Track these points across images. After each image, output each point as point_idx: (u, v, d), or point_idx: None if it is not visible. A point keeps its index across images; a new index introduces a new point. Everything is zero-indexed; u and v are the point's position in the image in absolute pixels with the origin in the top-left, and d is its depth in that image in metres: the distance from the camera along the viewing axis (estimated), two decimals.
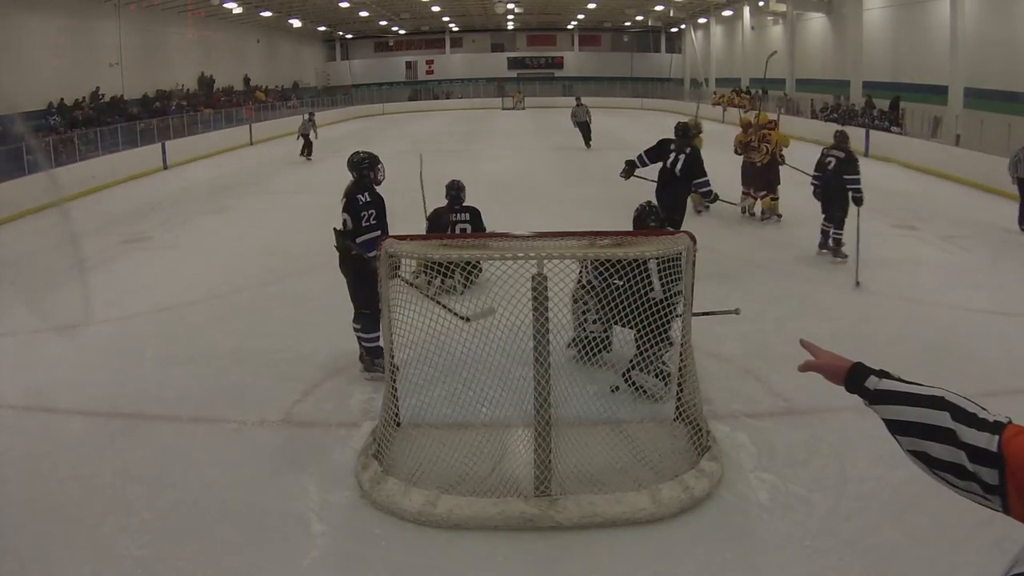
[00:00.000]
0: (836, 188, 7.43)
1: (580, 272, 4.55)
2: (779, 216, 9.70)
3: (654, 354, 4.44)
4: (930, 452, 1.20)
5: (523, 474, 3.55)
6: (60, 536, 3.36)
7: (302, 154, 18.09)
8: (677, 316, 4.22)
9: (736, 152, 9.94)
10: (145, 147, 16.88)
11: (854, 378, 1.35)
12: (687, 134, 7.34)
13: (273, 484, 3.75)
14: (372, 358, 5.01)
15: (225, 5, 26.09)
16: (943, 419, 1.19)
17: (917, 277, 7.32)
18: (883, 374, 1.33)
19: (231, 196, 13.01)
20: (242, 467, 3.93)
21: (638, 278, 3.89)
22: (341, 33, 41.43)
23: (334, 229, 4.96)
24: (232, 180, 15.01)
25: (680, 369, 4.07)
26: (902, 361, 5.03)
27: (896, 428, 1.27)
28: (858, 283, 6.81)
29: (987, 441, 1.14)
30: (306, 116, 18.96)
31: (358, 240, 4.79)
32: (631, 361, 4.56)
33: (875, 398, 1.31)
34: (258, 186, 14.28)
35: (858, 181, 7.27)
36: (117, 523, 3.44)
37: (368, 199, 4.83)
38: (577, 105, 19.38)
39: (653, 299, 3.96)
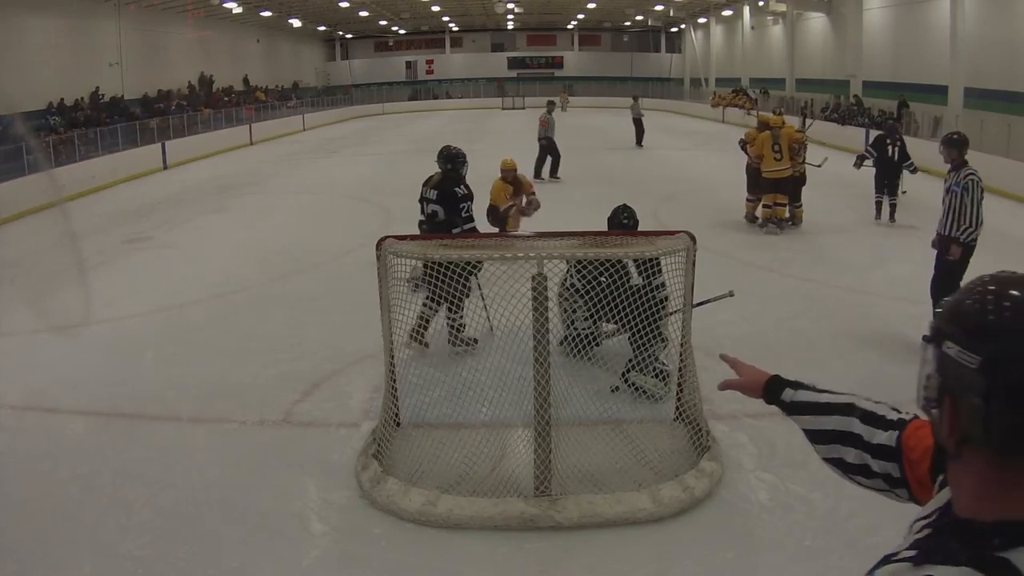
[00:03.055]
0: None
1: (566, 273, 4.58)
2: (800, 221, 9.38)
3: (650, 353, 4.44)
4: (845, 458, 1.24)
5: (523, 474, 3.55)
6: (60, 536, 3.36)
7: (640, 140, 17.04)
8: (668, 313, 4.22)
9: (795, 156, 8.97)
10: (145, 147, 16.88)
11: (771, 391, 1.39)
12: (895, 131, 9.67)
13: (273, 484, 3.75)
14: (453, 334, 4.98)
15: (225, 5, 26.07)
16: (852, 424, 1.24)
17: (917, 277, 7.30)
18: (798, 385, 1.37)
19: (231, 196, 12.99)
20: (242, 467, 3.93)
21: (619, 272, 4.00)
22: (341, 33, 41.41)
23: (421, 221, 5.04)
24: (232, 180, 14.99)
25: (680, 369, 4.07)
26: (902, 361, 5.05)
27: (812, 437, 1.31)
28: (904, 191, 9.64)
29: (888, 438, 1.19)
30: (632, 99, 18.40)
31: (455, 231, 4.89)
32: (629, 362, 4.55)
33: (791, 410, 1.35)
34: (258, 186, 14.25)
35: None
36: (117, 523, 3.44)
37: (466, 191, 5.04)
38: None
39: (634, 287, 3.99)
